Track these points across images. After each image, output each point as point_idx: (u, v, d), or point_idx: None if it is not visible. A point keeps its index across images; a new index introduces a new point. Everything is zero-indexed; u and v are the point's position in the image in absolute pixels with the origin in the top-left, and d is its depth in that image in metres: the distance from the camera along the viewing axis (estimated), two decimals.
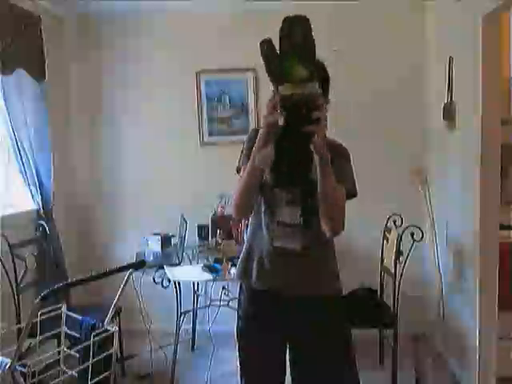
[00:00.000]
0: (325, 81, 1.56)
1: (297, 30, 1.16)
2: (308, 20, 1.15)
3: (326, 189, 1.36)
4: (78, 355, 1.81)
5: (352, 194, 1.54)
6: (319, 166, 1.27)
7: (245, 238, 1.76)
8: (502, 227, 2.46)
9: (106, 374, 1.76)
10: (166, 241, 3.02)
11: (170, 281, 2.61)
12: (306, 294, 1.53)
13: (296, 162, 1.19)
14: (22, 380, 1.53)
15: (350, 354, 1.59)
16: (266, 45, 1.22)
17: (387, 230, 2.92)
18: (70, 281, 1.74)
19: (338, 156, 1.51)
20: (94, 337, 1.74)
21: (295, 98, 1.09)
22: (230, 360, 2.88)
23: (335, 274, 1.62)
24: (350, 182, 1.53)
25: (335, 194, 1.39)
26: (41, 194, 2.87)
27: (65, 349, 1.90)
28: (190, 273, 2.59)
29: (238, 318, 1.64)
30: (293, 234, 1.51)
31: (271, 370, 1.61)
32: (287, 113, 1.10)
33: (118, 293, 1.84)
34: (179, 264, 2.65)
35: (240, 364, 1.65)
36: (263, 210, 1.56)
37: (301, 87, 1.10)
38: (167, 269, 2.57)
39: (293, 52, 1.14)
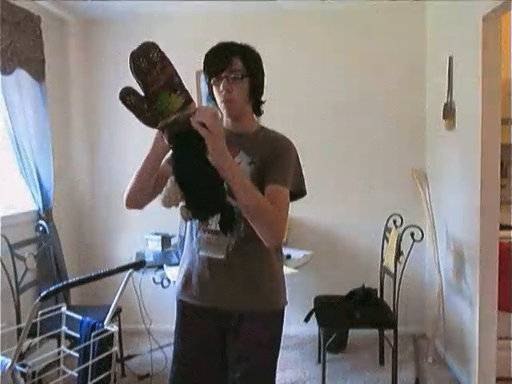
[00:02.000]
0: (254, 76, 1.37)
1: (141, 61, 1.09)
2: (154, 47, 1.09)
3: (234, 188, 1.18)
4: (77, 355, 1.81)
5: (298, 192, 1.38)
6: (214, 162, 1.13)
7: None
8: (502, 227, 2.45)
9: (106, 373, 1.76)
10: (166, 241, 3.02)
11: (169, 281, 2.61)
12: (234, 309, 1.39)
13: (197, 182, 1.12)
14: (22, 380, 1.53)
15: (270, 379, 1.46)
16: (130, 95, 1.09)
17: (387, 229, 2.92)
18: (69, 281, 1.73)
19: (277, 151, 1.35)
20: (93, 337, 1.74)
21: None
22: None
23: (272, 287, 1.43)
24: (290, 179, 1.33)
25: (249, 195, 1.21)
26: (41, 194, 2.87)
27: (65, 349, 1.90)
28: None
29: (174, 334, 1.49)
30: (218, 242, 1.35)
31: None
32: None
33: (118, 293, 1.84)
34: (179, 264, 2.65)
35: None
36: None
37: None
38: (167, 269, 2.57)
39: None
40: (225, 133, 1.35)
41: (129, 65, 1.08)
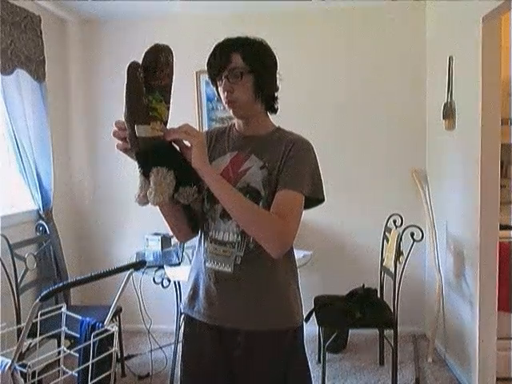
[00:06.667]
0: (257, 71, 1.24)
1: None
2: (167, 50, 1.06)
3: (219, 196, 1.15)
4: (78, 355, 1.81)
5: (317, 199, 1.26)
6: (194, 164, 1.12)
7: None
8: (502, 227, 2.46)
9: (106, 373, 1.76)
10: (166, 241, 3.02)
11: (169, 281, 2.61)
12: (246, 328, 1.25)
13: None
14: (21, 380, 1.53)
15: None
16: (139, 69, 1.04)
17: (387, 229, 2.92)
18: (69, 281, 1.73)
19: (292, 153, 1.23)
20: (93, 337, 1.74)
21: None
22: None
23: (287, 303, 1.28)
24: (305, 183, 1.21)
25: (232, 198, 1.15)
26: (41, 194, 2.87)
27: (65, 349, 1.90)
28: None
29: (182, 353, 1.40)
30: (225, 254, 1.25)
31: None
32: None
33: (118, 293, 1.84)
34: (179, 264, 2.65)
35: None
36: (201, 223, 1.32)
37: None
38: (167, 269, 2.57)
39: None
40: (236, 136, 1.34)
41: (148, 51, 1.05)
